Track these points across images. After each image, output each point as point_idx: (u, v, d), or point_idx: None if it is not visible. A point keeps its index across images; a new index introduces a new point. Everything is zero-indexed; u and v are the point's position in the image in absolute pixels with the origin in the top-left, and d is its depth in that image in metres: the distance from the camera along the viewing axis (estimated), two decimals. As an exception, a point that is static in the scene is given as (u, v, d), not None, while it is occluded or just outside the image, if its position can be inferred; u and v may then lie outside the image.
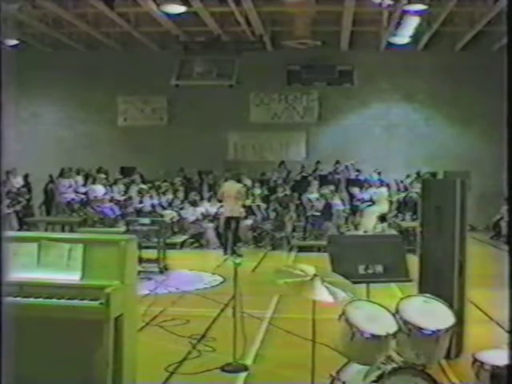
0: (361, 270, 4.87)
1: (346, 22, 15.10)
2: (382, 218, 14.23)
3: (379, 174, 16.48)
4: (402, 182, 16.68)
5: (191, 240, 14.05)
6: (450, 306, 4.09)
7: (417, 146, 17.94)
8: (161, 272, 10.03)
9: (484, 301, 7.16)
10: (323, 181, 15.89)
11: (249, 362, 5.41)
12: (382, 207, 14.27)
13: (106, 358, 3.90)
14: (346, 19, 14.87)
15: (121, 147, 18.36)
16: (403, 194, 15.68)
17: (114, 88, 18.39)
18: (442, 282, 5.39)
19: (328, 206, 14.11)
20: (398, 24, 14.18)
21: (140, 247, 7.93)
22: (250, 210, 14.14)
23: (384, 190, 14.83)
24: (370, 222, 13.90)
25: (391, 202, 15.06)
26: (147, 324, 6.47)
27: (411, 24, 13.84)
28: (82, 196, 15.36)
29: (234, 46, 16.95)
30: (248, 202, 14.19)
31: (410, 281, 5.21)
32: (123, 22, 15.59)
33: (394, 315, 3.91)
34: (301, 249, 13.29)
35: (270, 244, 13.78)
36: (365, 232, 13.50)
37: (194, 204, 14.66)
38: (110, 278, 3.99)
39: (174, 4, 13.41)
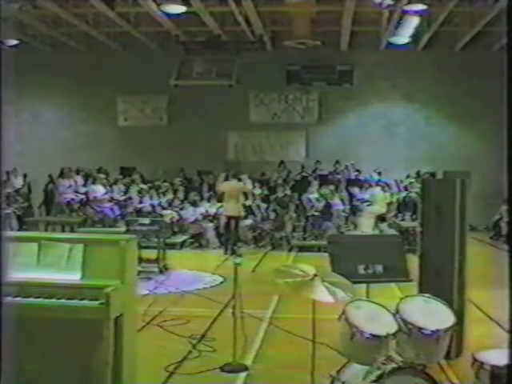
0: (361, 269, 4.87)
1: (346, 22, 15.09)
2: (382, 218, 14.22)
3: (379, 173, 16.45)
4: (401, 181, 16.66)
5: (191, 240, 14.05)
6: (450, 306, 4.09)
7: (417, 146, 17.93)
8: (161, 272, 10.03)
9: (484, 301, 7.16)
10: (323, 181, 15.88)
11: (249, 362, 5.41)
12: (378, 207, 14.24)
13: (105, 358, 3.90)
14: (345, 19, 14.86)
15: (121, 147, 18.35)
16: (403, 194, 15.66)
17: (114, 88, 18.37)
18: (442, 282, 5.39)
19: (328, 206, 14.13)
20: (398, 24, 14.17)
21: (140, 247, 7.93)
22: (249, 210, 14.14)
23: (378, 190, 14.72)
24: (366, 223, 13.88)
25: (391, 202, 15.01)
26: (147, 324, 6.47)
27: (411, 24, 13.82)
28: (82, 196, 15.34)
29: (233, 46, 16.95)
30: (248, 202, 14.20)
31: (409, 281, 5.21)
32: (123, 22, 15.58)
33: (393, 315, 3.91)
34: (301, 249, 13.30)
35: (270, 244, 13.79)
36: (362, 233, 13.48)
37: (193, 204, 14.66)
38: (110, 278, 3.99)
39: (174, 4, 13.40)
